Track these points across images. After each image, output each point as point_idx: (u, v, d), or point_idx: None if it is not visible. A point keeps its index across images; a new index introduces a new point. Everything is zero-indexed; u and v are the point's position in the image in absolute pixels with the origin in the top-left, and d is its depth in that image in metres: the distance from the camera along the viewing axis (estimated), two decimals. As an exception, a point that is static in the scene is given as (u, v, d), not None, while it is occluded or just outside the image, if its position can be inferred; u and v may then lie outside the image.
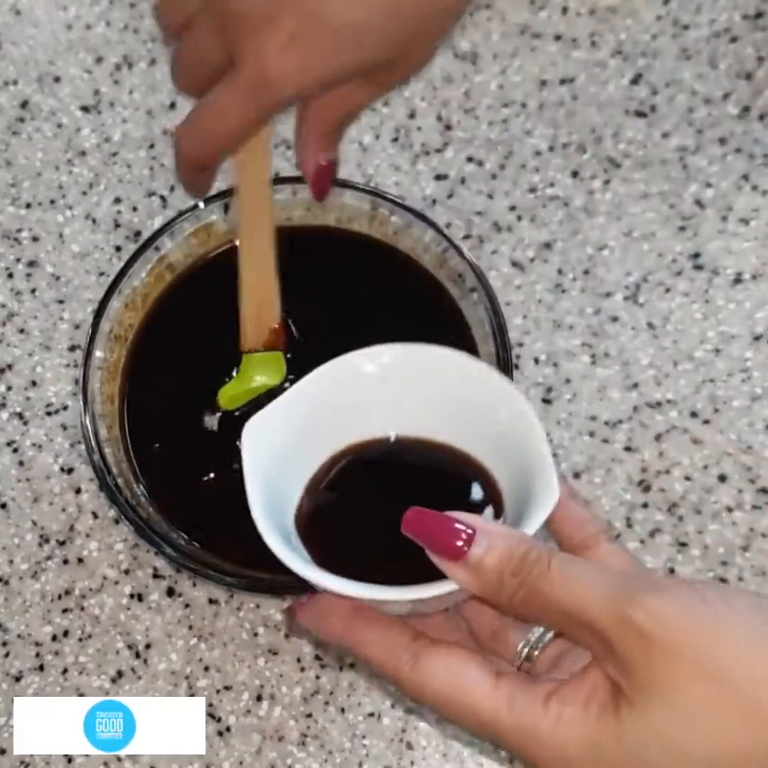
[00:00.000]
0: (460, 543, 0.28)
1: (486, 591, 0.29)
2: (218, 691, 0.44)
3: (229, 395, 0.43)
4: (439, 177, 0.51)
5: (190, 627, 0.45)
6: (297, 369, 0.44)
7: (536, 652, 0.32)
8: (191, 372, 0.45)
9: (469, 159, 0.51)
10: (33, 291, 0.50)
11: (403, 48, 0.37)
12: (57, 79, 0.54)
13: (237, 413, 0.44)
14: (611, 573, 0.29)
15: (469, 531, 0.28)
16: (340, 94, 0.38)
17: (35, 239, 0.51)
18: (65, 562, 0.46)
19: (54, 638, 0.45)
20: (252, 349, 0.43)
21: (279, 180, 0.47)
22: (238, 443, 0.41)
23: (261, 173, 0.42)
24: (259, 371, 0.43)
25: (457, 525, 0.29)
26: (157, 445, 0.44)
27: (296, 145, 0.42)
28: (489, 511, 0.34)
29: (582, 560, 0.30)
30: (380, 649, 0.31)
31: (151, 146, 0.52)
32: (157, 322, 0.46)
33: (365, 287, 0.46)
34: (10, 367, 0.49)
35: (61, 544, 0.46)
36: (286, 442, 0.34)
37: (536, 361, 0.48)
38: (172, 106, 0.53)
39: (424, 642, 0.30)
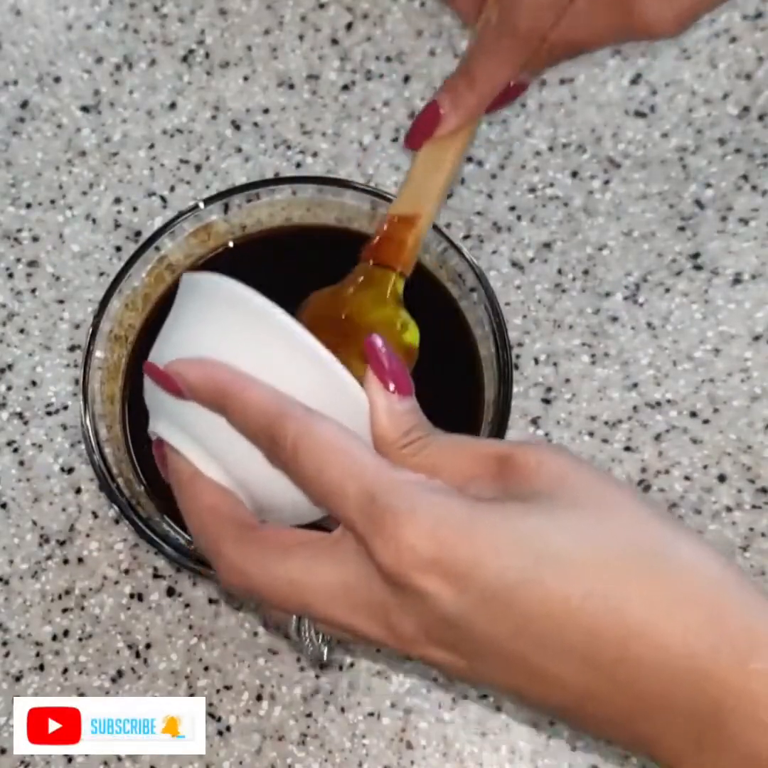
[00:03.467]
0: None
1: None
2: (218, 691, 0.44)
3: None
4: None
5: (191, 627, 0.45)
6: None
7: None
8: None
9: (469, 159, 0.51)
10: (33, 291, 0.51)
11: None
12: (57, 80, 0.54)
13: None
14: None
15: None
16: (584, 18, 0.35)
17: (35, 239, 0.51)
18: (65, 561, 0.46)
19: (54, 638, 0.45)
20: (368, 258, 0.40)
21: (279, 180, 0.47)
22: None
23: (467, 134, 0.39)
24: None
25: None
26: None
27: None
28: None
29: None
30: (214, 517, 0.31)
31: (152, 146, 0.52)
32: (158, 322, 0.46)
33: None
34: (10, 367, 0.49)
35: (62, 543, 0.46)
36: None
37: (536, 361, 0.48)
38: (172, 106, 0.53)
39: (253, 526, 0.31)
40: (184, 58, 0.54)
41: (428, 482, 0.28)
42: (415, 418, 0.32)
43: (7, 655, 0.45)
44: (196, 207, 0.45)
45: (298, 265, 0.45)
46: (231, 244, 0.47)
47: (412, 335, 0.40)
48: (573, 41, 0.36)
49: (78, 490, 0.47)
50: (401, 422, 0.31)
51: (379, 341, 0.32)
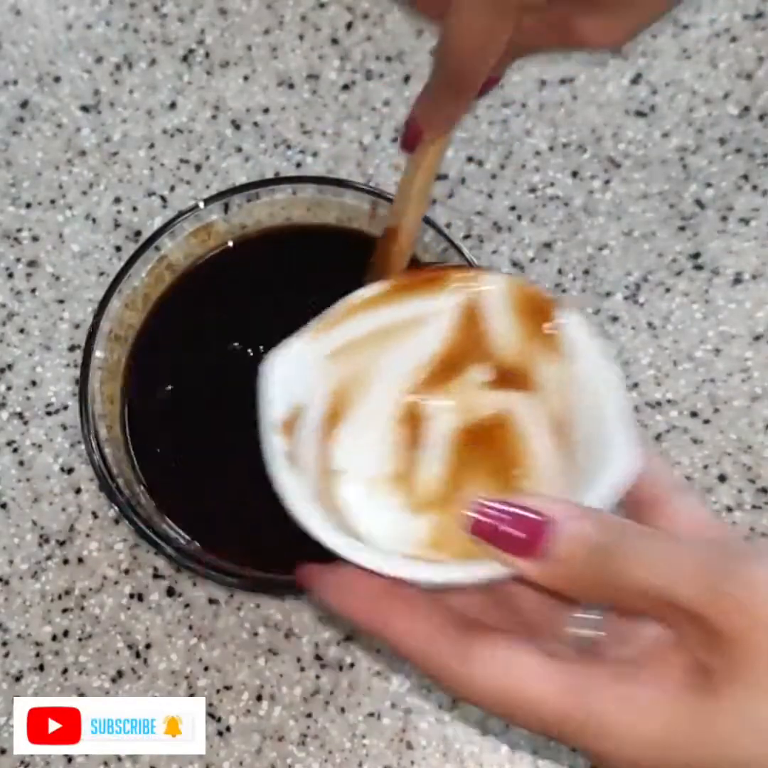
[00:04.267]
0: (524, 535, 0.25)
1: (556, 584, 0.25)
2: (218, 691, 0.44)
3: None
4: (438, 177, 0.51)
5: (190, 627, 0.45)
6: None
7: (596, 633, 0.28)
8: (192, 371, 0.45)
9: (469, 159, 0.51)
10: (33, 291, 0.50)
11: None
12: (57, 79, 0.54)
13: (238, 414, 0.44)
14: (698, 544, 0.26)
15: (537, 519, 0.25)
16: (530, 30, 0.34)
17: (35, 239, 0.51)
18: (65, 561, 0.46)
19: (54, 638, 0.45)
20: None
21: (279, 180, 0.47)
22: (237, 443, 0.41)
23: (438, 157, 0.38)
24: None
25: (522, 512, 0.25)
26: (158, 444, 0.44)
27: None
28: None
29: (662, 533, 0.27)
30: (420, 642, 0.27)
31: (151, 146, 0.52)
32: (158, 322, 0.46)
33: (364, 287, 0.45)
34: (10, 366, 0.49)
35: (61, 544, 0.46)
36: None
37: (536, 361, 0.48)
38: (172, 105, 0.53)
39: (471, 634, 0.26)
40: (184, 58, 0.54)
41: (623, 692, 0.25)
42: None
43: (6, 655, 0.45)
44: (196, 207, 0.45)
45: (297, 265, 0.45)
46: (232, 244, 0.47)
47: None
48: (526, 48, 0.36)
49: (78, 490, 0.47)
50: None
51: (472, 507, 0.27)
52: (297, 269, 0.46)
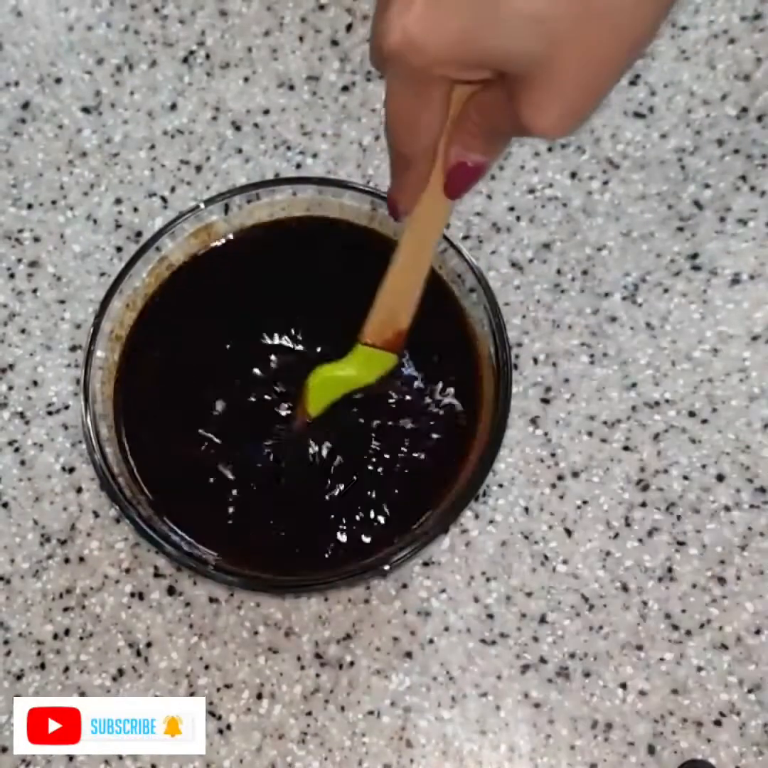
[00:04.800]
0: None
1: None
2: (219, 690, 0.44)
3: (322, 377, 0.42)
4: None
5: (191, 626, 0.45)
6: (297, 368, 0.44)
7: None
8: (192, 372, 0.45)
9: (469, 160, 0.51)
10: (34, 291, 0.51)
11: (557, 42, 0.30)
12: (58, 81, 0.54)
13: (239, 414, 0.44)
14: None
15: None
16: (487, 103, 0.34)
17: (36, 240, 0.51)
18: (66, 561, 0.46)
19: (55, 637, 0.45)
20: (370, 343, 0.41)
21: (279, 181, 0.47)
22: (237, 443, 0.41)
23: (436, 213, 0.39)
24: (364, 367, 0.42)
25: None
26: (158, 444, 0.44)
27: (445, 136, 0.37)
28: None
29: None
30: None
31: (152, 147, 0.53)
32: (152, 321, 0.46)
33: (365, 287, 0.46)
34: (11, 367, 0.49)
35: (63, 543, 0.47)
36: None
37: (535, 360, 0.48)
38: (173, 107, 0.53)
39: None
40: (185, 60, 0.54)
41: None
42: None
43: (8, 654, 0.45)
44: (196, 207, 0.45)
45: (298, 262, 0.46)
46: (222, 242, 0.47)
47: None
48: (491, 130, 0.35)
49: (79, 490, 0.47)
50: None
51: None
52: (292, 265, 0.46)
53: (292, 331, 0.45)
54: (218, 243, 0.47)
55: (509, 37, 0.29)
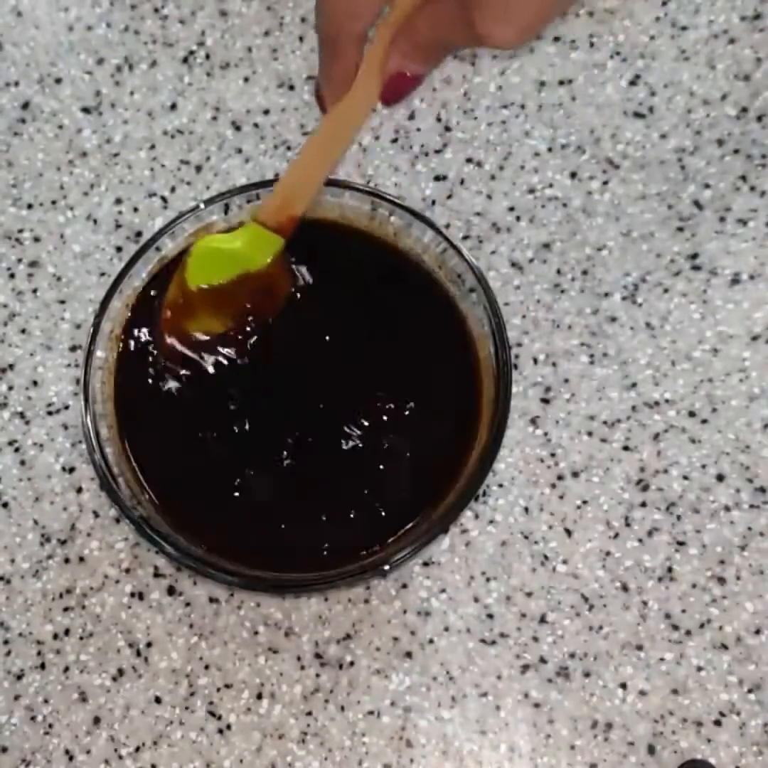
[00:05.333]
0: None
1: None
2: (219, 690, 0.44)
3: (206, 246, 0.42)
4: (438, 178, 0.51)
5: (191, 625, 0.45)
6: (296, 377, 0.44)
7: None
8: (192, 372, 0.45)
9: (469, 160, 0.51)
10: (34, 291, 0.51)
11: None
12: (58, 81, 0.54)
13: (239, 417, 0.44)
14: None
15: None
16: (441, 14, 0.34)
17: (36, 240, 0.51)
18: (66, 560, 0.46)
19: (55, 637, 0.45)
20: (261, 221, 0.42)
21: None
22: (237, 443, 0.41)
23: (357, 112, 0.39)
24: (250, 244, 0.42)
25: None
26: (158, 444, 0.44)
27: (375, 49, 0.38)
28: None
29: None
30: None
31: (152, 147, 0.53)
32: (149, 319, 0.46)
33: (365, 287, 0.46)
34: (11, 366, 0.49)
35: (63, 543, 0.47)
36: None
37: (535, 360, 0.48)
38: (173, 107, 0.53)
39: None
40: (185, 60, 0.54)
41: None
42: None
43: (8, 653, 0.45)
44: (196, 207, 0.45)
45: (297, 263, 0.46)
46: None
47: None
48: (438, 44, 0.36)
49: (79, 490, 0.47)
50: None
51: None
52: (296, 269, 0.46)
53: (294, 333, 0.45)
54: None
55: None
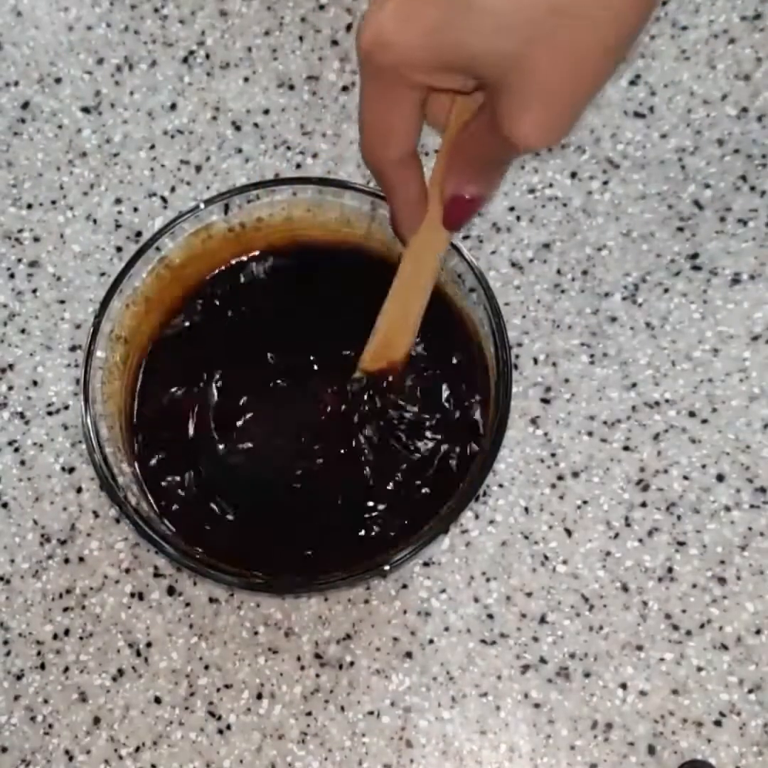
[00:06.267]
0: None
1: None
2: (218, 690, 0.44)
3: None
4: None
5: (191, 626, 0.45)
6: (294, 365, 0.44)
7: None
8: (195, 374, 0.45)
9: (469, 160, 0.51)
10: (34, 291, 0.51)
11: (529, 45, 0.28)
12: (58, 80, 0.54)
13: (239, 416, 0.44)
14: None
15: None
16: (477, 127, 0.33)
17: (36, 240, 0.51)
18: (66, 561, 0.46)
19: (55, 637, 0.45)
20: (368, 370, 0.42)
21: (279, 181, 0.47)
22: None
23: (435, 240, 0.38)
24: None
25: None
26: (158, 444, 0.44)
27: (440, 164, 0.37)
28: None
29: None
30: None
31: (152, 147, 0.53)
32: (172, 327, 0.46)
33: (364, 288, 0.46)
34: (11, 367, 0.49)
35: (62, 543, 0.47)
36: None
37: (535, 361, 0.48)
38: (173, 107, 0.53)
39: None
40: (185, 60, 0.54)
41: None
42: None
43: (8, 654, 0.45)
44: (196, 207, 0.45)
45: (297, 269, 0.46)
46: (254, 258, 0.47)
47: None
48: (482, 158, 0.35)
49: (79, 490, 0.47)
50: None
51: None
52: (315, 288, 0.46)
53: (300, 341, 0.45)
54: (245, 258, 0.47)
55: (479, 33, 0.28)
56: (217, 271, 0.47)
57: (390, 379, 0.43)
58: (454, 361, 0.44)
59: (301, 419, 0.44)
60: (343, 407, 0.44)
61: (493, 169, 0.35)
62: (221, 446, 0.44)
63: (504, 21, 0.28)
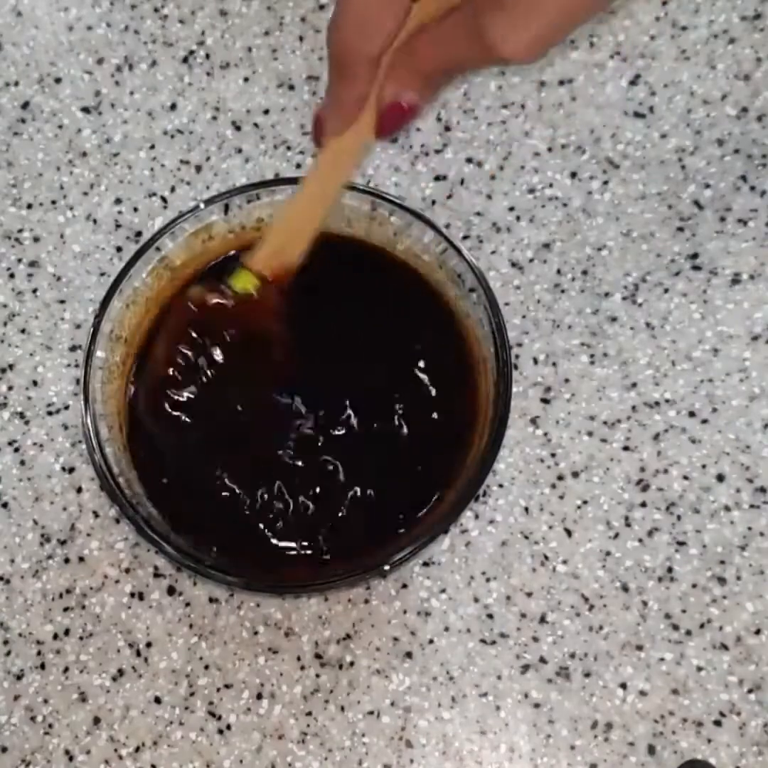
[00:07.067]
0: None
1: None
2: (218, 690, 0.44)
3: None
4: (438, 178, 0.51)
5: (191, 626, 0.45)
6: (302, 371, 0.44)
7: None
8: (195, 374, 0.45)
9: (469, 160, 0.51)
10: (34, 291, 0.51)
11: None
12: (58, 80, 0.54)
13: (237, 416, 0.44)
14: None
15: None
16: (447, 30, 0.32)
17: (36, 240, 0.51)
18: (66, 561, 0.46)
19: (55, 637, 0.45)
20: (255, 270, 0.40)
21: (279, 181, 0.47)
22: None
23: (354, 148, 0.37)
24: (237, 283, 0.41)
25: None
26: (159, 444, 0.44)
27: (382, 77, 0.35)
28: None
29: None
30: None
31: (152, 147, 0.53)
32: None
33: (364, 288, 0.46)
34: (11, 367, 0.49)
35: (62, 543, 0.47)
36: None
37: (535, 361, 0.48)
38: (173, 107, 0.53)
39: None
40: (185, 59, 0.54)
41: None
42: None
43: (8, 654, 0.45)
44: (196, 207, 0.45)
45: (315, 282, 0.46)
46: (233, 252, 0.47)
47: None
48: (439, 67, 0.34)
49: (79, 490, 0.47)
50: None
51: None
52: (315, 287, 0.46)
53: (300, 341, 0.45)
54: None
55: None
56: (213, 268, 0.47)
57: (276, 285, 0.41)
58: (454, 360, 0.44)
59: (302, 419, 0.44)
60: (343, 407, 0.44)
61: (440, 79, 0.34)
62: (221, 446, 0.44)
63: None
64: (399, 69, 0.34)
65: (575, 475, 0.46)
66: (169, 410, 0.44)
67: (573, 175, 0.51)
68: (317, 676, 0.44)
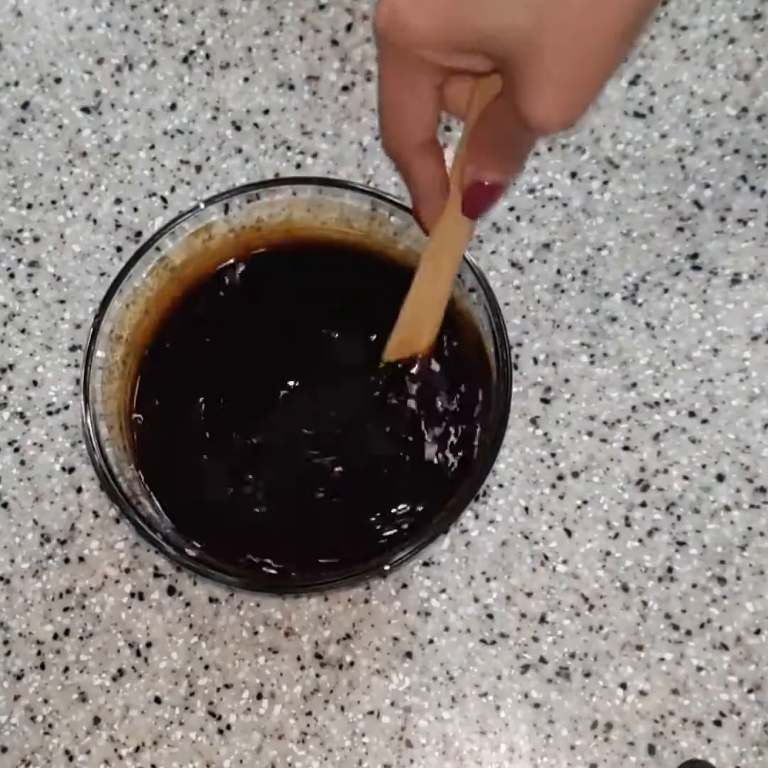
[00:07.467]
0: None
1: None
2: (218, 690, 0.44)
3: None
4: (438, 178, 0.51)
5: (191, 626, 0.45)
6: (296, 365, 0.44)
7: None
8: (196, 374, 0.45)
9: (469, 160, 0.51)
10: (34, 291, 0.51)
11: (540, 19, 0.27)
12: (58, 80, 0.54)
13: (237, 416, 0.44)
14: None
15: None
16: (493, 110, 0.33)
17: (36, 240, 0.51)
18: (66, 561, 0.46)
19: (55, 637, 0.45)
20: (391, 361, 0.43)
21: (279, 181, 0.47)
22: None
23: (458, 226, 0.38)
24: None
25: None
26: (160, 444, 0.44)
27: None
28: None
29: None
30: None
31: (152, 147, 0.53)
32: (171, 326, 0.46)
33: (364, 288, 0.46)
34: (11, 367, 0.49)
35: (62, 543, 0.47)
36: None
37: (535, 360, 0.48)
38: (173, 107, 0.53)
39: None
40: (185, 59, 0.54)
41: None
42: None
43: (8, 654, 0.45)
44: (196, 207, 0.45)
45: (298, 269, 0.46)
46: (251, 255, 0.47)
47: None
48: (499, 144, 0.34)
49: (79, 490, 0.47)
50: None
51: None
52: (297, 273, 0.46)
53: (300, 341, 0.45)
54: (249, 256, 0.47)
55: (490, 10, 0.28)
56: (217, 270, 0.47)
57: (413, 370, 0.43)
58: (454, 360, 0.44)
59: (302, 418, 0.44)
60: (343, 407, 0.44)
61: (512, 154, 0.34)
62: (221, 445, 0.44)
63: None
64: (476, 148, 0.35)
65: (575, 475, 0.46)
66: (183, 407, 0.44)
67: (573, 174, 0.51)
68: (317, 676, 0.44)
